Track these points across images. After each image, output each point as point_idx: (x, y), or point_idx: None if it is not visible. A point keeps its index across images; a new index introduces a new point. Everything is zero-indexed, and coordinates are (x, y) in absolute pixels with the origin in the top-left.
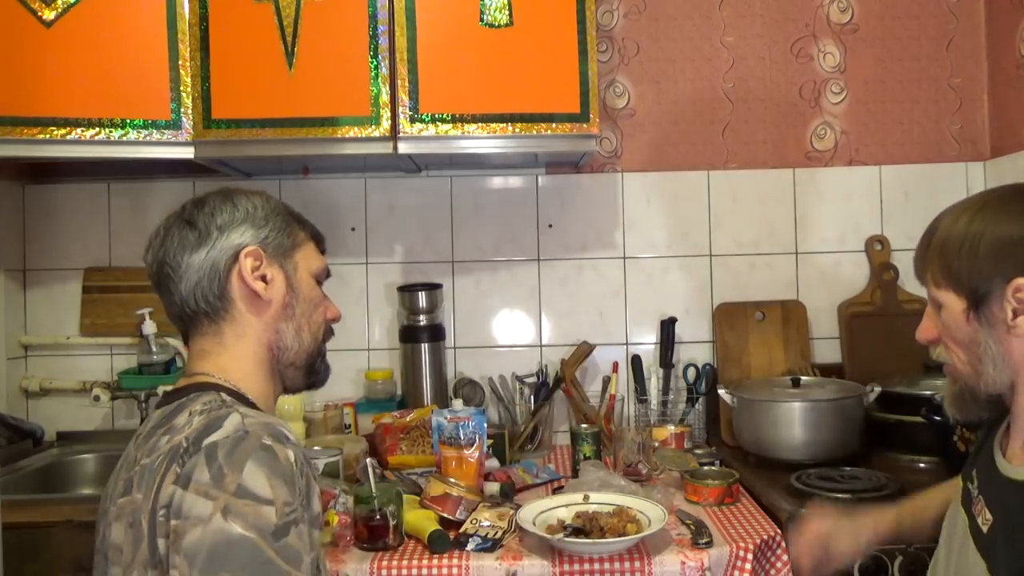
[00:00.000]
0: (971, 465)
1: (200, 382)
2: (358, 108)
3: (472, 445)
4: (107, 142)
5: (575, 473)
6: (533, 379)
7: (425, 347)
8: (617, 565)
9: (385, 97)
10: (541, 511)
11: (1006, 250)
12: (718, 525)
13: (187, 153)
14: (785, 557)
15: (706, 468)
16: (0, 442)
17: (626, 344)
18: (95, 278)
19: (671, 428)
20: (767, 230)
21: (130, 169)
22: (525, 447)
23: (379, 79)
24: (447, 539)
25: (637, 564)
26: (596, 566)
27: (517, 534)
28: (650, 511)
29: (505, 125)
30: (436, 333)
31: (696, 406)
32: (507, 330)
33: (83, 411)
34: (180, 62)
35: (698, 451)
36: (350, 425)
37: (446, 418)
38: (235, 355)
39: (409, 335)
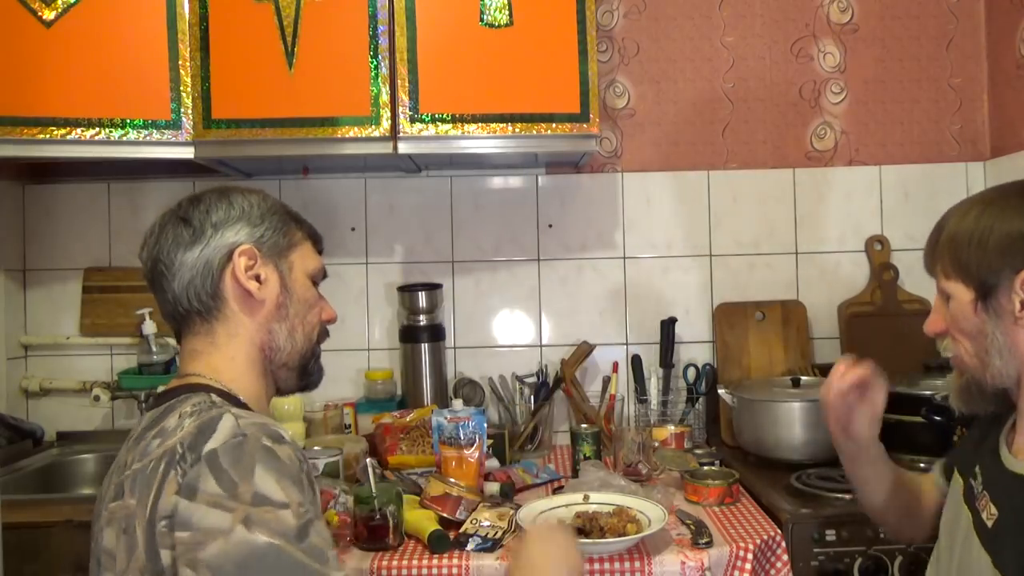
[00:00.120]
0: (971, 462)
1: (190, 383)
2: (358, 108)
3: (472, 445)
4: (107, 142)
5: (575, 473)
6: (533, 379)
7: (425, 347)
8: (617, 565)
9: (385, 97)
10: (541, 511)
11: (1015, 244)
12: (718, 525)
13: (187, 153)
14: (785, 557)
15: (706, 468)
16: (0, 442)
17: (626, 344)
18: (95, 278)
19: (671, 428)
20: (767, 230)
21: (130, 169)
22: (525, 447)
23: (379, 79)
24: (447, 539)
25: (637, 564)
26: (596, 566)
27: (517, 534)
28: (650, 511)
29: (505, 125)
30: (436, 333)
31: (696, 406)
32: (507, 330)
33: (83, 411)
34: (180, 62)
35: (698, 451)
36: (350, 425)
37: (446, 418)
38: (227, 355)
39: (409, 335)
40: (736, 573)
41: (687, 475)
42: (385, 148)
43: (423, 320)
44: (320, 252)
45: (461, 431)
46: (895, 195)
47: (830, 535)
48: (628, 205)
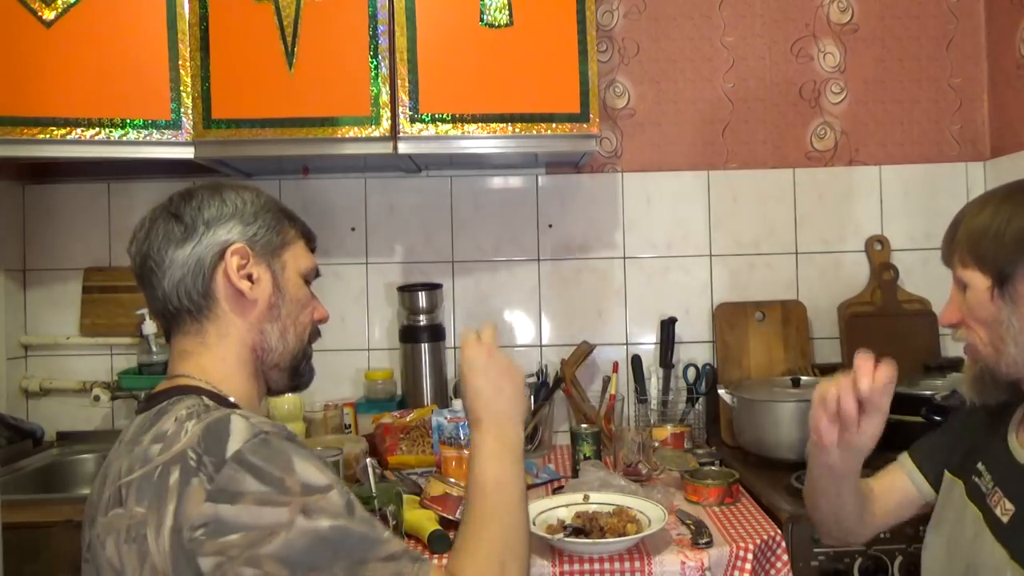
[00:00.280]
0: (969, 461)
1: (180, 384)
2: (358, 108)
3: None
4: (107, 142)
5: (575, 473)
6: (533, 379)
7: (425, 347)
8: (617, 565)
9: (385, 97)
10: (541, 511)
11: None
12: (718, 525)
13: (187, 153)
14: (785, 557)
15: (706, 468)
16: (0, 442)
17: (626, 344)
18: (95, 278)
19: (671, 428)
20: (767, 230)
21: (130, 169)
22: (525, 447)
23: (379, 79)
24: (447, 539)
25: (637, 564)
26: (596, 566)
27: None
28: (650, 511)
29: (505, 125)
30: (436, 333)
31: (696, 406)
32: (507, 330)
33: (83, 411)
34: (180, 62)
35: (698, 451)
36: (350, 425)
37: (446, 418)
38: (218, 356)
39: (409, 335)
40: (736, 573)
41: (687, 475)
42: (385, 148)
43: (423, 320)
44: (313, 250)
45: (461, 431)
46: (895, 195)
47: None
48: (628, 205)
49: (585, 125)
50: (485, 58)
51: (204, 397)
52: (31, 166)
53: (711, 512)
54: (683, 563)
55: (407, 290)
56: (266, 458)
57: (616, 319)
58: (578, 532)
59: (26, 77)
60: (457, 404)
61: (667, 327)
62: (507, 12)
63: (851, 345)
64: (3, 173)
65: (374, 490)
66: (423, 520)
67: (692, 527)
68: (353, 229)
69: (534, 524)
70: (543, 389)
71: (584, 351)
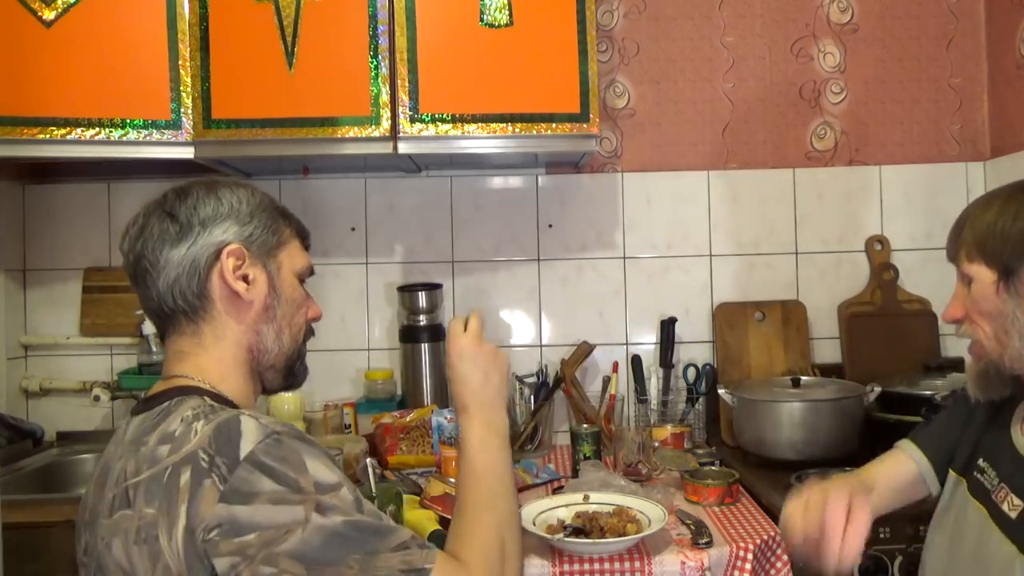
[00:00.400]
0: (972, 457)
1: (180, 385)
2: (358, 108)
3: None
4: (107, 142)
5: (575, 473)
6: (533, 379)
7: (425, 347)
8: (617, 565)
9: (385, 97)
10: (541, 511)
11: None
12: (718, 525)
13: (187, 153)
14: (785, 557)
15: (706, 468)
16: (0, 442)
17: (626, 344)
18: (95, 278)
19: (671, 428)
20: (767, 230)
21: (130, 169)
22: (525, 447)
23: (379, 79)
24: (447, 539)
25: (637, 564)
26: (596, 566)
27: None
28: (650, 511)
29: (505, 125)
30: (436, 333)
31: (696, 406)
32: (507, 330)
33: (83, 411)
34: (180, 62)
35: (698, 451)
36: (350, 425)
37: (446, 418)
38: (214, 357)
39: (409, 335)
40: (736, 573)
41: (687, 475)
42: (385, 148)
43: (423, 320)
44: (307, 248)
45: None
46: (895, 195)
47: None
48: (628, 205)
49: (585, 125)
50: (485, 58)
51: (206, 398)
52: (31, 166)
53: (711, 512)
54: (683, 563)
55: (407, 290)
56: (279, 458)
57: (616, 319)
58: (578, 532)
59: (26, 77)
60: None
61: (667, 327)
62: (507, 12)
63: (851, 345)
64: (3, 173)
65: (374, 490)
66: (423, 520)
67: (692, 527)
68: (353, 229)
69: (534, 524)
70: (543, 389)
71: (584, 351)
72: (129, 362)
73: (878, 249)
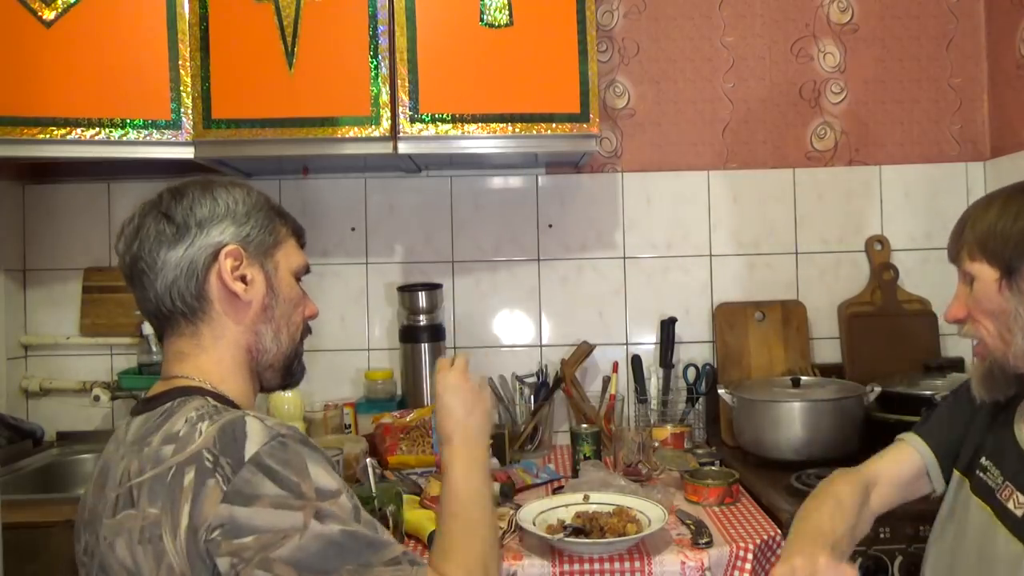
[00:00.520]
0: (975, 457)
1: (181, 386)
2: (358, 108)
3: None
4: (107, 142)
5: (575, 473)
6: (533, 379)
7: (425, 347)
8: (617, 565)
9: (385, 97)
10: (541, 511)
11: None
12: (718, 525)
13: (187, 153)
14: None
15: (706, 468)
16: (0, 442)
17: (626, 344)
18: (95, 278)
19: (671, 428)
20: (767, 230)
21: (130, 169)
22: (525, 447)
23: (379, 79)
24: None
25: (637, 564)
26: (596, 566)
27: (517, 534)
28: (650, 511)
29: (505, 125)
30: (436, 333)
31: (696, 406)
32: (507, 330)
33: (83, 411)
34: (180, 62)
35: (698, 451)
36: (350, 425)
37: None
38: (214, 358)
39: (409, 335)
40: (736, 573)
41: (687, 475)
42: (385, 148)
43: (423, 320)
44: (303, 246)
45: None
46: (895, 195)
47: None
48: (628, 205)
49: (585, 125)
50: (485, 58)
51: (209, 398)
52: (31, 166)
53: (711, 512)
54: (683, 563)
55: (407, 290)
56: (283, 462)
57: (616, 319)
58: (578, 532)
59: (26, 77)
60: None
61: (667, 327)
62: (507, 12)
63: (851, 345)
64: (3, 173)
65: (374, 490)
66: (423, 520)
67: (692, 527)
68: (353, 229)
69: (534, 524)
70: (543, 389)
71: (584, 351)
72: (129, 362)
73: (878, 249)
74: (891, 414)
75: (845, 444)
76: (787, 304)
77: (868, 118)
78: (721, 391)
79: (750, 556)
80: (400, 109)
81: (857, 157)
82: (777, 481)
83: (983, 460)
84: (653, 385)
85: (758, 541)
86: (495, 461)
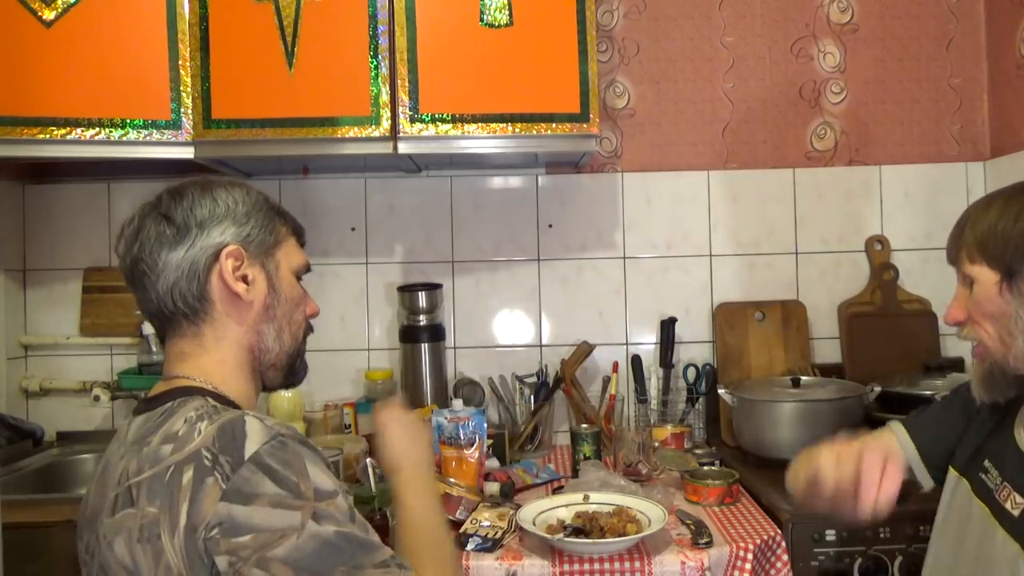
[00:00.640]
0: (977, 458)
1: (182, 386)
2: (358, 108)
3: (472, 445)
4: (107, 142)
5: (575, 473)
6: (533, 379)
7: (425, 347)
8: (617, 565)
9: (385, 97)
10: (541, 511)
11: None
12: (718, 525)
13: (187, 153)
14: (785, 557)
15: (706, 468)
16: (0, 442)
17: (626, 344)
18: (95, 278)
19: (671, 428)
20: (767, 230)
21: (130, 169)
22: (525, 447)
23: (379, 79)
24: None
25: (637, 564)
26: (596, 566)
27: (517, 534)
28: (650, 511)
29: (505, 125)
30: (436, 333)
31: (696, 406)
32: (507, 330)
33: (83, 411)
34: (180, 62)
35: (698, 451)
36: (350, 425)
37: (446, 418)
38: (216, 358)
39: (409, 335)
40: (736, 573)
41: (687, 475)
42: (385, 148)
43: (423, 320)
44: (303, 245)
45: (461, 431)
46: (895, 195)
47: (830, 535)
48: (628, 205)
49: (585, 125)
50: (485, 58)
51: (209, 398)
52: (31, 166)
53: (711, 512)
54: (683, 563)
55: (407, 290)
56: (283, 461)
57: (616, 319)
58: (578, 532)
59: (26, 77)
60: (457, 404)
61: (667, 327)
62: (507, 12)
63: (851, 345)
64: (3, 173)
65: (374, 490)
66: None
67: (692, 527)
68: (353, 229)
69: (534, 524)
70: (543, 389)
71: (584, 351)
72: (129, 362)
73: (878, 249)
74: (891, 414)
75: None
76: (787, 304)
77: (868, 118)
78: (721, 391)
79: (750, 556)
80: (400, 109)
81: (857, 157)
82: (777, 481)
83: (985, 462)
84: (653, 385)
85: (758, 541)
86: (495, 462)
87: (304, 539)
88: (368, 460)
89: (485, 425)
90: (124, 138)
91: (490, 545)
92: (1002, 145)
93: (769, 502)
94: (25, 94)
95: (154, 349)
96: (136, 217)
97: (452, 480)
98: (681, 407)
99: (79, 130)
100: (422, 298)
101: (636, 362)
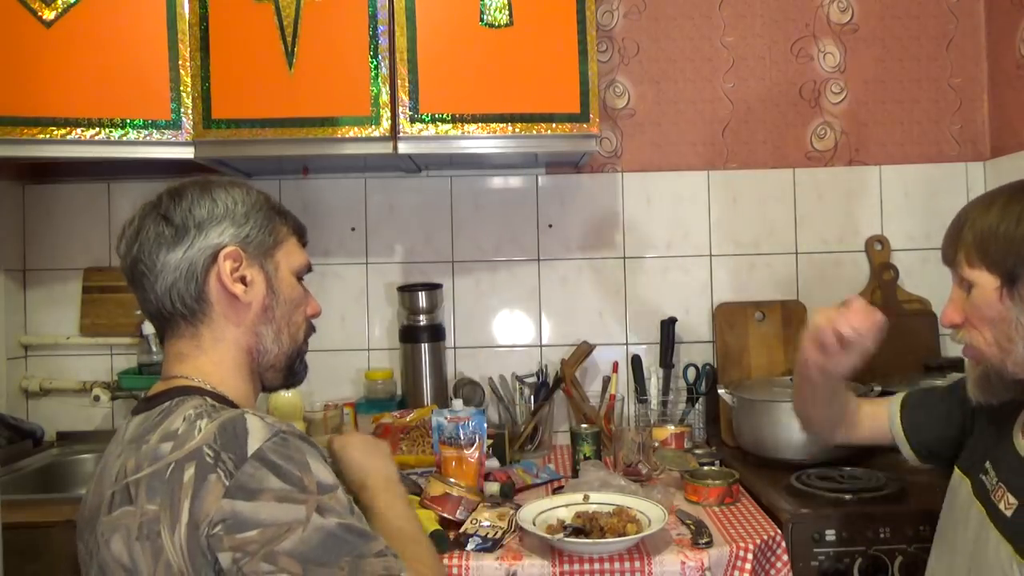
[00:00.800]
0: (980, 459)
1: (180, 385)
2: (358, 108)
3: (472, 445)
4: (107, 142)
5: (575, 473)
6: (533, 379)
7: (425, 347)
8: (617, 565)
9: (385, 97)
10: (541, 511)
11: None
12: (718, 525)
13: (187, 153)
14: (785, 557)
15: (706, 468)
16: (0, 442)
17: (626, 344)
18: (95, 278)
19: (671, 428)
20: (767, 230)
21: (130, 169)
22: (525, 447)
23: (379, 79)
24: (447, 539)
25: (637, 564)
26: (596, 566)
27: (517, 534)
28: (650, 511)
29: (505, 125)
30: (436, 333)
31: (696, 406)
32: (507, 330)
33: (83, 411)
34: (180, 62)
35: (698, 451)
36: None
37: (446, 418)
38: (214, 359)
39: (409, 335)
40: (736, 573)
41: (687, 475)
42: (385, 148)
43: (423, 320)
44: (304, 245)
45: (461, 431)
46: (895, 195)
47: (830, 535)
48: (628, 205)
49: (585, 125)
50: (485, 58)
51: (207, 398)
52: (31, 166)
53: (711, 512)
54: (683, 563)
55: (407, 290)
56: (286, 457)
57: (616, 319)
58: (578, 532)
59: (26, 77)
60: (457, 404)
61: (667, 327)
62: (507, 12)
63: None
64: (3, 173)
65: None
66: (423, 520)
67: (692, 527)
68: (353, 229)
69: (534, 524)
70: (543, 389)
71: (584, 351)
72: (129, 362)
73: (878, 249)
74: None
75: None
76: (787, 304)
77: (868, 118)
78: (721, 391)
79: (750, 556)
80: (400, 109)
81: (857, 157)
82: (777, 481)
83: (986, 463)
84: (653, 385)
85: (758, 541)
86: (495, 462)
87: (309, 532)
88: None
89: (485, 425)
90: (124, 138)
91: (490, 545)
92: (1002, 145)
93: (769, 502)
94: (25, 94)
95: (154, 349)
96: (136, 218)
97: (452, 480)
98: (681, 407)
99: (79, 130)
100: (422, 298)
101: (636, 362)
